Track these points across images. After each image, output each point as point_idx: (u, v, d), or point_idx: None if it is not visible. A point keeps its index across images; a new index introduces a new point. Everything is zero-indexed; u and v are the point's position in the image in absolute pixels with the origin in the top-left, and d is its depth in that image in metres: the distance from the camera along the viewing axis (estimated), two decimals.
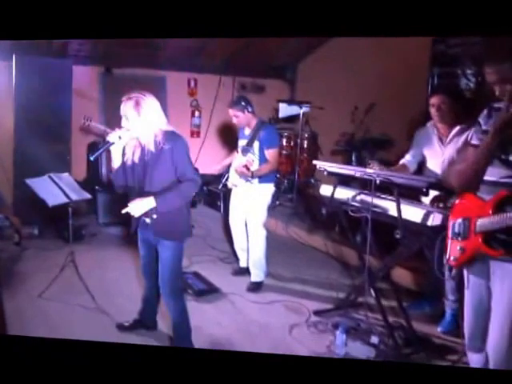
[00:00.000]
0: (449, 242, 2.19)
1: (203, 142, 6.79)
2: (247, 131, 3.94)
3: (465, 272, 2.20)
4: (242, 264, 4.21)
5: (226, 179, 4.11)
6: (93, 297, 3.53)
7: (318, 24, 2.06)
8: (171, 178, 2.60)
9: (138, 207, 2.56)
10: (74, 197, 3.66)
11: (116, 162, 2.70)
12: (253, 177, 3.81)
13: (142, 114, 2.51)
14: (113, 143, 2.59)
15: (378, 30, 2.14)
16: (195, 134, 6.88)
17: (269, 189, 3.96)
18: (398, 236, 2.88)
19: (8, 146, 5.18)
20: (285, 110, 6.33)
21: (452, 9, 2.08)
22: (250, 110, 3.83)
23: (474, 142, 2.10)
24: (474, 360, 2.26)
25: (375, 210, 3.06)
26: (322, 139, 6.28)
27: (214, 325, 3.33)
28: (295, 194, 5.76)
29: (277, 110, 6.52)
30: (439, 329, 3.29)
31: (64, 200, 3.61)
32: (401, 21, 2.11)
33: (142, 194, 2.62)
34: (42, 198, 3.55)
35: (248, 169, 3.80)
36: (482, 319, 2.14)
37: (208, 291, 3.79)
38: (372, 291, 3.26)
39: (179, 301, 2.79)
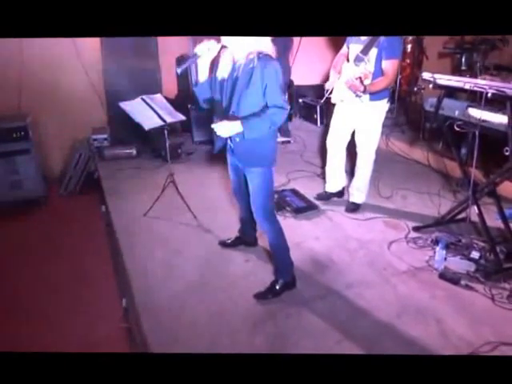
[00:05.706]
0: None
1: (297, 50, 6.06)
2: None
3: None
4: (328, 189, 4.02)
5: (330, 92, 3.63)
6: (194, 216, 3.71)
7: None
8: (259, 102, 2.44)
9: (225, 128, 2.42)
10: (168, 119, 3.62)
11: (202, 76, 2.56)
12: (365, 92, 3.33)
13: None
14: (200, 56, 2.46)
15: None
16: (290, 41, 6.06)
17: (382, 107, 3.52)
18: (507, 153, 2.73)
19: (97, 66, 5.20)
20: None
21: None
22: None
23: None
24: None
25: (484, 124, 2.88)
26: (427, 41, 5.77)
27: (313, 240, 3.43)
28: (396, 103, 5.50)
29: None
30: None
31: (159, 123, 3.58)
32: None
33: (228, 111, 2.50)
34: (137, 121, 3.54)
35: (362, 82, 3.29)
36: None
37: (306, 208, 3.83)
38: (475, 207, 3.17)
39: (273, 222, 2.75)
